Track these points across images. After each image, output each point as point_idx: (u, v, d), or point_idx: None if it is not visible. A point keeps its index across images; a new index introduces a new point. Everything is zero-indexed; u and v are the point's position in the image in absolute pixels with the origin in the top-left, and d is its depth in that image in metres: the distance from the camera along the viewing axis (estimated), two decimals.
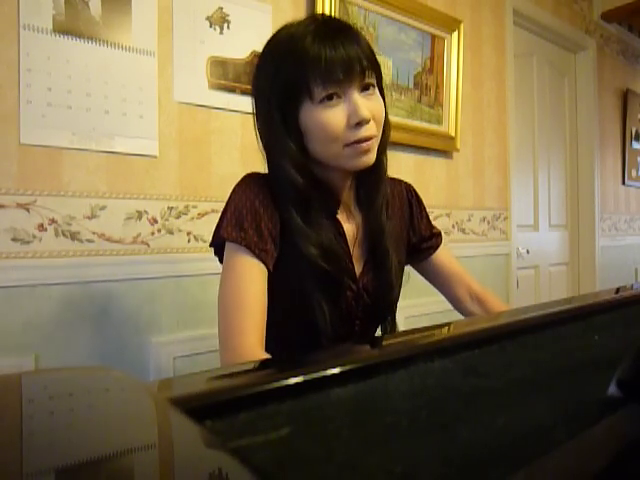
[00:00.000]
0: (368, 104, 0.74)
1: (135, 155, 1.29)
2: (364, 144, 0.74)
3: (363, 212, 0.86)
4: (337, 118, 0.72)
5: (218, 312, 0.73)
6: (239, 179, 0.82)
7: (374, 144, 0.76)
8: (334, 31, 0.73)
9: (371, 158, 0.76)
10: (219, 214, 0.82)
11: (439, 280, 0.99)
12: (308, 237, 0.76)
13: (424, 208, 1.00)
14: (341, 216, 0.83)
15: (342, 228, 0.82)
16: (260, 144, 0.82)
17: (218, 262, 0.82)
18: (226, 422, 0.31)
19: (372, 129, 0.74)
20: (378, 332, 0.95)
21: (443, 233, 1.05)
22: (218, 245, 0.79)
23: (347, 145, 0.74)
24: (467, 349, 0.48)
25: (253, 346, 0.69)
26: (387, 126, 0.81)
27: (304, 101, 0.73)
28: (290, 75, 0.73)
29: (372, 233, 0.84)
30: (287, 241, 0.78)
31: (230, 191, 0.81)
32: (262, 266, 0.74)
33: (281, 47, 0.76)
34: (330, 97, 0.72)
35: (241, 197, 0.77)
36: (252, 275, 0.73)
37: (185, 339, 1.36)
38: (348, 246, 0.83)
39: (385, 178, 0.86)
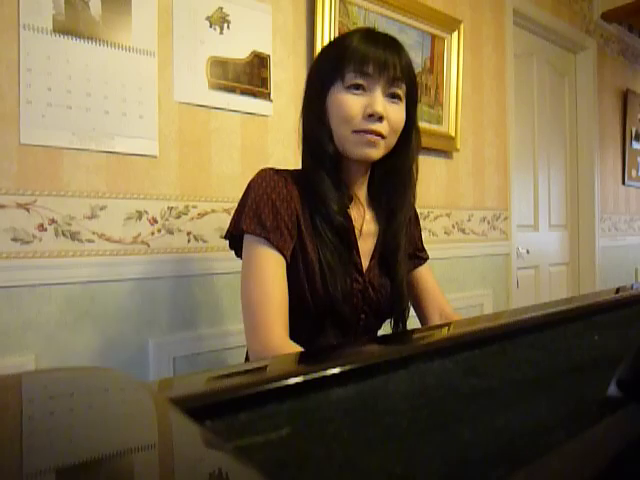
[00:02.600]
0: (388, 108, 0.81)
1: (135, 155, 1.29)
2: (370, 136, 0.80)
3: (378, 214, 0.91)
4: (355, 105, 0.79)
5: (243, 305, 0.78)
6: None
7: (380, 142, 0.81)
8: (381, 39, 0.83)
9: (374, 153, 0.82)
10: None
11: (416, 294, 1.02)
12: (333, 196, 0.83)
13: (419, 223, 1.07)
14: (351, 209, 0.87)
15: (352, 222, 0.86)
16: (300, 123, 0.89)
17: (234, 254, 0.87)
18: (226, 422, 0.31)
19: (383, 128, 0.80)
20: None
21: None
22: (234, 236, 0.84)
23: (355, 132, 0.80)
24: (467, 349, 0.48)
25: (281, 338, 0.74)
26: (415, 139, 0.88)
27: (336, 82, 0.81)
28: (331, 60, 0.82)
29: (388, 242, 0.89)
30: (301, 225, 0.83)
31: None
32: (281, 258, 0.79)
33: (333, 42, 0.88)
34: (357, 87, 0.80)
35: (258, 191, 0.81)
36: (273, 267, 0.78)
37: (185, 339, 1.36)
38: (355, 237, 0.87)
39: (413, 188, 0.91)
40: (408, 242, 0.97)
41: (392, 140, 0.83)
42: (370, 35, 0.82)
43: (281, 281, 0.78)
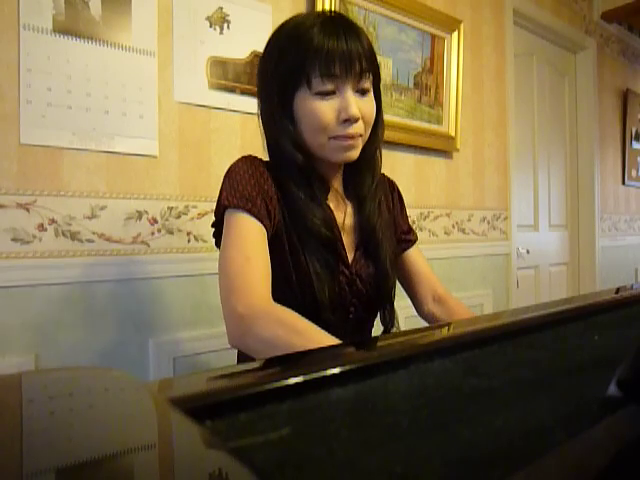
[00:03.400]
0: (360, 104, 0.78)
1: (135, 155, 1.29)
2: (349, 140, 0.77)
3: (354, 204, 0.89)
4: (328, 111, 0.76)
5: (221, 273, 0.72)
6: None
7: (359, 142, 0.79)
8: (340, 27, 0.76)
9: (354, 154, 0.80)
10: None
11: (407, 277, 1.00)
12: (310, 208, 0.79)
13: (404, 204, 1.03)
14: (330, 203, 0.85)
15: (333, 214, 0.84)
16: (261, 126, 0.85)
17: (215, 246, 0.82)
18: (226, 422, 0.31)
19: (359, 128, 0.78)
20: (376, 326, 0.95)
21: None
22: (218, 221, 0.79)
23: (332, 138, 0.77)
24: (467, 349, 0.48)
25: (266, 300, 0.68)
26: (380, 127, 0.86)
27: (301, 88, 0.76)
28: (292, 60, 0.76)
29: (364, 227, 0.87)
30: (285, 217, 0.80)
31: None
32: (263, 228, 0.74)
33: (288, 34, 0.79)
34: (326, 92, 0.75)
35: (238, 171, 0.79)
36: (255, 235, 0.73)
37: (185, 339, 1.36)
38: (339, 230, 0.84)
39: (378, 174, 0.89)
40: (392, 224, 0.95)
41: (368, 133, 0.82)
42: (329, 24, 0.76)
43: (263, 249, 0.73)
